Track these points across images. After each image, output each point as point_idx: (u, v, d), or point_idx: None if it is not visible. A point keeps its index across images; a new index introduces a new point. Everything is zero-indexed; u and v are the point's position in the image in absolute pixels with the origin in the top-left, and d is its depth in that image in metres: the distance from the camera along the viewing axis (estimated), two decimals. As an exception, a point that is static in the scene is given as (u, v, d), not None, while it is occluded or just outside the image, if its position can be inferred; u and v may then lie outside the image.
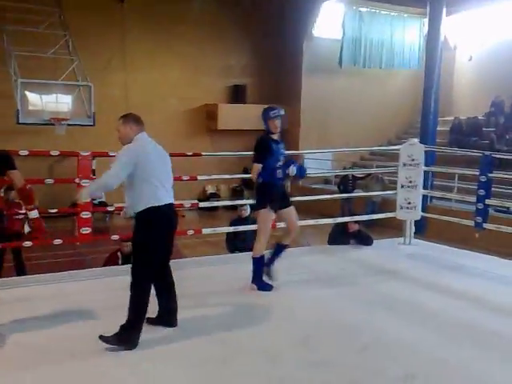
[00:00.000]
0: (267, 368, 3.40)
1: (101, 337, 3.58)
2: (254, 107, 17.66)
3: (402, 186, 7.12)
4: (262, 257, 4.98)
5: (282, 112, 5.09)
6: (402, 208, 7.14)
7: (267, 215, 4.91)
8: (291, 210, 5.09)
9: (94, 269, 6.33)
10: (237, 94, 18.17)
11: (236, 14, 17.68)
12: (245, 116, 16.98)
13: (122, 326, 3.60)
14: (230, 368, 3.40)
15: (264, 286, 4.95)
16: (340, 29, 17.37)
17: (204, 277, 5.45)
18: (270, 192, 4.88)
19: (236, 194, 17.88)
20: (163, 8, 16.27)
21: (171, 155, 6.30)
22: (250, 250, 7.12)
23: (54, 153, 5.62)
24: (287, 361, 3.52)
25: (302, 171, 5.19)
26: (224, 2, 17.18)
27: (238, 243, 7.75)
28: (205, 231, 6.39)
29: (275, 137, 5.09)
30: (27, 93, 12.74)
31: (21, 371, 3.26)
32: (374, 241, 7.03)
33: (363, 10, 17.55)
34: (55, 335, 3.82)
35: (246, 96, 18.29)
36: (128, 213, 3.93)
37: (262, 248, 4.97)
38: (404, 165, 7.10)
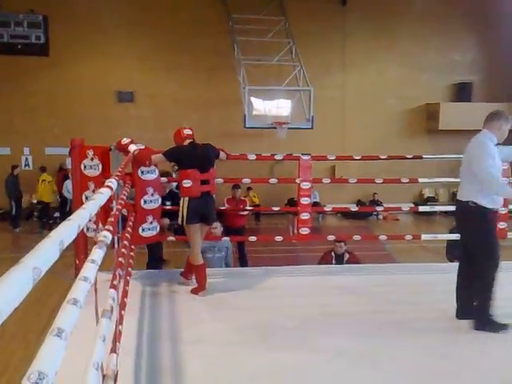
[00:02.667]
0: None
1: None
2: (482, 106, 16.29)
3: None
4: None
5: None
6: None
7: None
8: None
9: (308, 266, 6.47)
10: (461, 92, 16.91)
11: (462, 6, 16.47)
12: (470, 115, 15.71)
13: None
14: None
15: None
16: None
17: (422, 284, 5.14)
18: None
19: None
20: (385, 6, 16.02)
21: (389, 157, 6.20)
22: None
23: (278, 157, 5.92)
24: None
25: None
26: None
27: (457, 252, 7.17)
28: (424, 237, 6.04)
29: None
30: (252, 99, 13.73)
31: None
32: None
33: None
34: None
35: (471, 94, 16.93)
36: None
37: None
38: None
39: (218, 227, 6.24)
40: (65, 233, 1.36)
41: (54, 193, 14.03)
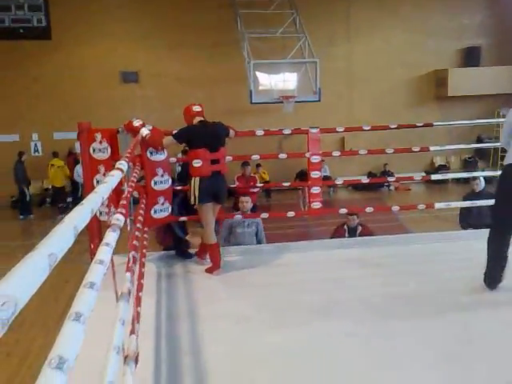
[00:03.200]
0: None
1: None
2: (491, 70, 16.02)
3: None
4: None
5: None
6: None
7: None
8: None
9: (321, 240, 6.46)
10: (470, 57, 16.60)
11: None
12: (479, 80, 15.49)
13: None
14: None
15: None
16: None
17: (438, 253, 5.11)
18: None
19: (468, 165, 16.53)
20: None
21: (399, 126, 6.12)
22: (485, 226, 6.54)
23: (286, 131, 5.82)
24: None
25: None
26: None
27: (471, 219, 7.14)
28: (438, 206, 5.97)
29: None
30: (258, 73, 13.57)
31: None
32: None
33: None
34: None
35: (480, 58, 16.62)
36: None
37: None
38: None
39: (248, 201, 6.18)
40: (78, 218, 1.34)
41: (66, 177, 14.08)
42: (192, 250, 5.22)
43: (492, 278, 3.88)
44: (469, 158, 16.93)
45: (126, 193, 3.15)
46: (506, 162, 3.86)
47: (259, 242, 6.13)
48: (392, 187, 15.88)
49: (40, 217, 13.27)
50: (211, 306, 3.89)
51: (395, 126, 5.95)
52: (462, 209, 7.31)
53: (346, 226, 6.86)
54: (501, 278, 3.88)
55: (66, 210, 12.32)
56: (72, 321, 1.25)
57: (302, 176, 12.33)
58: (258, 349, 3.17)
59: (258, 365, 2.99)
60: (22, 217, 13.33)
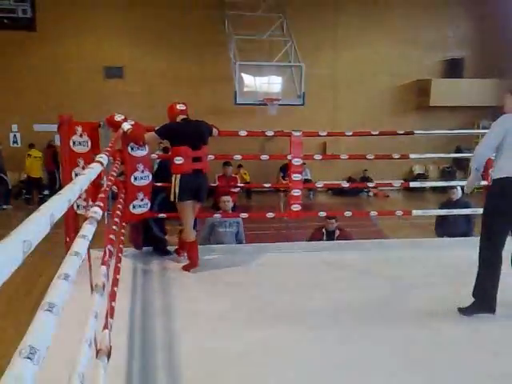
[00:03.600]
0: None
1: (459, 309, 3.69)
2: (473, 82, 16.28)
3: None
4: None
5: None
6: None
7: None
8: None
9: (299, 242, 6.50)
10: (453, 68, 16.86)
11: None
12: (461, 92, 15.74)
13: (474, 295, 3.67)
14: None
15: None
16: None
17: (413, 260, 5.18)
18: None
19: (446, 175, 16.76)
20: (376, -19, 15.82)
21: (381, 133, 6.18)
22: (460, 235, 6.66)
23: (269, 133, 5.84)
24: None
25: None
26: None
27: (447, 227, 7.24)
28: (415, 213, 6.05)
29: None
30: (243, 75, 13.59)
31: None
32: None
33: None
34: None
35: (463, 70, 16.89)
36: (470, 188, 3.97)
37: None
38: None
39: (230, 201, 6.20)
40: (55, 206, 1.33)
41: (43, 169, 13.91)
42: (171, 248, 5.21)
43: (484, 290, 3.66)
44: (447, 167, 17.17)
45: (104, 186, 3.12)
46: (502, 174, 3.63)
47: (239, 242, 6.15)
48: (371, 193, 16.04)
49: (16, 208, 13.04)
50: (186, 304, 3.89)
51: (376, 133, 6.01)
52: (438, 217, 7.41)
53: (324, 230, 6.91)
54: (495, 294, 3.67)
55: (43, 201, 12.14)
56: (44, 311, 1.24)
57: (286, 170, 12.38)
58: (232, 347, 3.18)
59: (230, 362, 3.00)
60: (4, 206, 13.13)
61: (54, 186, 13.52)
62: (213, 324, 3.52)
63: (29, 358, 1.03)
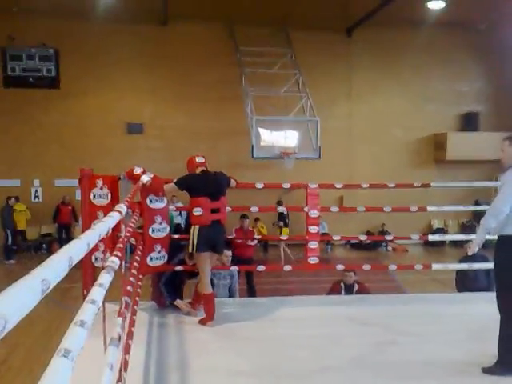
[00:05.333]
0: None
1: (482, 368, 3.54)
2: (489, 135, 16.32)
3: None
4: None
5: None
6: None
7: None
8: None
9: (317, 296, 6.39)
10: (468, 122, 16.98)
11: (468, 37, 16.68)
12: (477, 145, 15.75)
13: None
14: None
15: None
16: None
17: (434, 315, 5.05)
18: None
19: (466, 229, 16.51)
20: (390, 36, 16.20)
21: (398, 186, 6.18)
22: (481, 289, 6.48)
23: (285, 185, 5.89)
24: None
25: None
26: (453, 26, 16.31)
27: (467, 282, 7.07)
28: (435, 267, 5.95)
29: None
30: (260, 129, 13.82)
31: None
32: None
33: None
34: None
35: (478, 124, 16.98)
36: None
37: None
38: None
39: (229, 256, 6.19)
40: (74, 249, 1.35)
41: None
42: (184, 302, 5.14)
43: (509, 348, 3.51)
44: (467, 221, 16.96)
45: (122, 237, 3.14)
46: None
47: (232, 294, 6.09)
48: (390, 247, 15.83)
49: (37, 262, 13.03)
50: (203, 359, 3.81)
51: (393, 185, 6.02)
52: (458, 272, 7.26)
53: (342, 283, 6.79)
54: None
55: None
56: (60, 357, 1.23)
57: (280, 204, 12.55)
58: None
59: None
60: (9, 261, 13.10)
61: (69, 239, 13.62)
62: (230, 380, 3.43)
63: (44, 402, 1.02)
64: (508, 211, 3.67)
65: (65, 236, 14.09)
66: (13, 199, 13.60)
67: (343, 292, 6.70)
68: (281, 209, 6.02)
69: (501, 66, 16.68)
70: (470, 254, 4.03)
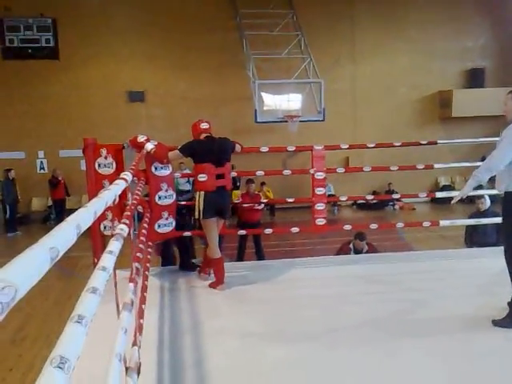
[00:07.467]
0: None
1: (493, 321, 3.59)
2: (495, 91, 16.06)
3: None
4: None
5: None
6: None
7: None
8: None
9: (326, 256, 6.42)
10: (474, 79, 16.69)
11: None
12: (483, 101, 15.53)
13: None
14: None
15: None
16: None
17: (443, 271, 5.08)
18: None
19: (473, 185, 16.46)
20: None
21: (404, 144, 6.12)
22: (490, 245, 6.50)
23: (290, 148, 5.83)
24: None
25: None
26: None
27: (476, 238, 7.10)
28: (442, 223, 5.94)
29: None
30: (263, 93, 13.66)
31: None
32: None
33: None
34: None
35: (484, 80, 16.71)
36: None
37: None
38: None
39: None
40: (81, 217, 1.34)
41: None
42: (197, 261, 5.21)
43: None
44: (474, 178, 16.87)
45: (129, 205, 3.15)
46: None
47: None
48: (397, 206, 15.84)
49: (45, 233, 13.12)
50: (214, 321, 3.86)
51: (399, 144, 5.95)
52: (468, 227, 7.28)
53: (351, 245, 6.82)
54: None
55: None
56: (74, 323, 1.24)
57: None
58: (260, 363, 3.14)
59: (259, 378, 2.96)
60: (9, 234, 13.11)
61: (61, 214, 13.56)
62: (241, 341, 3.49)
63: (59, 367, 1.04)
64: (503, 168, 3.62)
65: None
66: (12, 171, 13.46)
67: (352, 253, 6.76)
68: (286, 172, 5.96)
69: (505, 20, 16.29)
70: (452, 202, 4.11)
